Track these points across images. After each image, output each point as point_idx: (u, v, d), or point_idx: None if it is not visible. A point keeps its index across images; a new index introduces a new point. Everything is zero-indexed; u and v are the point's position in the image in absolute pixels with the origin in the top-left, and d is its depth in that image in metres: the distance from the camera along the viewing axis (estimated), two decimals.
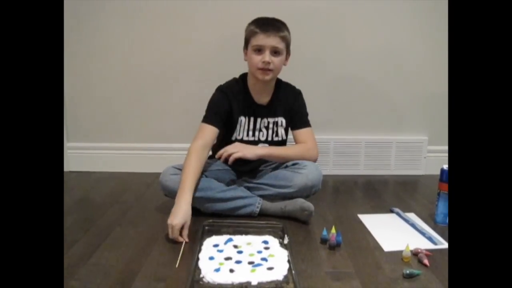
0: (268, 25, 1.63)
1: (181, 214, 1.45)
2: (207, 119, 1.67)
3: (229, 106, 1.71)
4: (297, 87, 1.82)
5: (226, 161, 1.63)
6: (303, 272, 1.27)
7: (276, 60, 1.64)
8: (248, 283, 1.19)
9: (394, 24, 2.13)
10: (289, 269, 1.26)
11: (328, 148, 2.26)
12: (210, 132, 1.65)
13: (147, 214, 1.70)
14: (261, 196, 1.68)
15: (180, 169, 1.63)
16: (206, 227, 1.53)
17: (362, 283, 1.22)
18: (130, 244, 1.43)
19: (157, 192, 1.77)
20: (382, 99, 2.23)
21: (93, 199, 1.86)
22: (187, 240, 1.44)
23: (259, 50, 1.63)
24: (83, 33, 2.10)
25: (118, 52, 2.15)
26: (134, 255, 1.35)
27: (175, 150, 2.18)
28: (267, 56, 1.62)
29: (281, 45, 1.64)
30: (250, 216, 1.66)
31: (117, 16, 2.10)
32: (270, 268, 1.26)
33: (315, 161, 1.72)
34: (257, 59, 1.63)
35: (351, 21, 2.13)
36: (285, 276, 1.22)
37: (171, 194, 1.64)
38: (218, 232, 1.49)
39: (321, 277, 1.25)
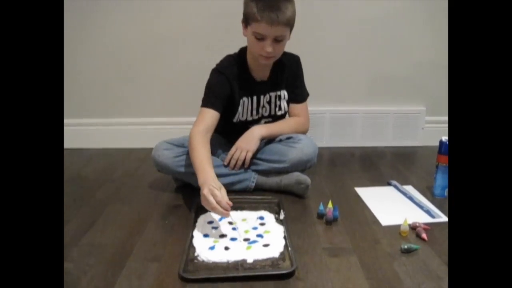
0: (271, 9, 1.42)
1: (214, 181, 1.34)
2: (207, 103, 1.57)
3: (230, 89, 1.61)
4: None
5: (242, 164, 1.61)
6: (299, 248, 1.25)
7: (278, 46, 1.52)
8: (244, 261, 1.17)
9: None
10: (285, 246, 1.24)
11: (324, 119, 2.21)
12: (212, 117, 1.55)
13: (140, 191, 1.67)
14: (255, 171, 1.65)
15: (173, 144, 1.59)
16: (200, 204, 1.50)
17: (359, 258, 1.20)
18: (123, 223, 1.40)
19: (150, 168, 1.73)
20: (379, 69, 2.18)
21: (85, 177, 1.82)
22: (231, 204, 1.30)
23: (261, 38, 1.49)
24: (72, 3, 2.01)
25: (109, 25, 2.07)
26: (127, 234, 1.33)
27: (168, 124, 2.14)
28: (268, 47, 1.48)
29: (285, 32, 1.50)
30: (245, 191, 1.63)
31: None
32: (266, 245, 1.24)
33: (305, 133, 1.71)
34: (258, 46, 1.50)
35: None
36: (281, 253, 1.21)
37: (164, 170, 1.60)
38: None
39: (318, 253, 1.23)
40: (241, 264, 1.16)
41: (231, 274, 1.11)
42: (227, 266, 1.16)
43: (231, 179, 1.60)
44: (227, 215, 1.28)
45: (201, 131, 1.51)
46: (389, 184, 1.73)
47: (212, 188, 1.28)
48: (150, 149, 1.62)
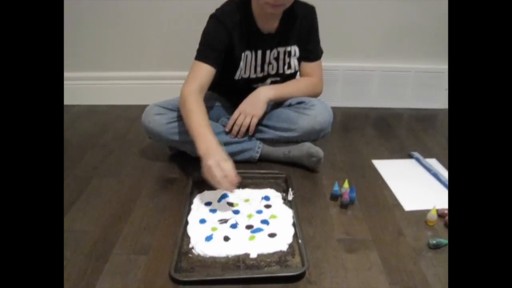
0: None
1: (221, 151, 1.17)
2: (202, 56, 1.34)
3: (229, 39, 1.37)
4: None
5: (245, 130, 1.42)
6: (310, 239, 1.08)
7: None
8: (246, 255, 1.01)
9: None
10: (295, 236, 1.07)
11: (337, 77, 1.99)
12: (206, 73, 1.33)
13: (130, 160, 1.48)
14: (260, 139, 1.46)
15: (167, 108, 1.39)
16: (197, 179, 1.32)
17: (380, 255, 1.03)
18: (108, 202, 1.23)
19: (142, 130, 1.54)
20: (399, 21, 1.92)
21: (69, 142, 1.62)
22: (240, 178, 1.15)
23: None
24: None
25: None
26: (113, 218, 1.16)
27: (164, 79, 1.93)
28: None
29: None
30: (249, 161, 1.44)
31: None
32: (272, 235, 1.07)
33: (318, 96, 1.50)
34: None
35: None
36: (290, 246, 1.04)
37: (155, 138, 1.41)
38: (210, 186, 1.28)
39: (332, 246, 1.06)
40: (243, 259, 1.00)
41: (230, 276, 0.94)
42: (227, 262, 1.00)
43: (233, 148, 1.41)
44: (233, 191, 1.15)
45: (194, 91, 1.30)
46: (410, 156, 1.54)
47: (219, 159, 1.12)
48: (144, 106, 1.42)
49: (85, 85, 1.99)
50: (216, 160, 1.12)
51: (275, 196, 1.25)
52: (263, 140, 1.45)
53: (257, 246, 1.03)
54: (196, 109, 1.26)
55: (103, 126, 1.77)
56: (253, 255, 1.01)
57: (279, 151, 1.44)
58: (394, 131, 1.78)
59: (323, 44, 1.52)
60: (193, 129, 1.23)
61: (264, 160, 1.46)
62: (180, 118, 1.38)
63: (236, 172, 1.14)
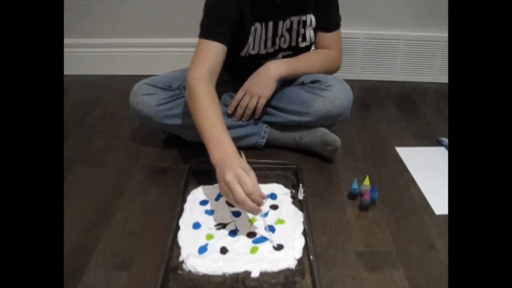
0: None
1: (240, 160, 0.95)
2: (209, 33, 1.12)
3: (239, 10, 1.14)
4: None
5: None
6: (324, 252, 0.91)
7: None
8: (247, 274, 0.84)
9: None
10: (305, 247, 0.90)
11: (356, 46, 1.77)
12: (216, 53, 1.11)
13: (118, 144, 1.31)
14: (267, 122, 1.27)
15: (158, 87, 1.19)
16: (193, 170, 1.15)
17: (407, 275, 0.86)
18: (89, 199, 1.06)
19: None
20: None
21: None
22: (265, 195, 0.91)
23: None
24: None
25: None
26: (92, 219, 0.99)
27: (163, 46, 1.75)
28: None
29: None
30: (254, 148, 1.26)
31: None
32: (278, 247, 0.90)
33: (337, 71, 1.31)
34: None
35: None
36: (299, 262, 0.87)
37: (145, 122, 1.23)
38: (208, 179, 1.10)
39: (349, 262, 0.89)
40: (242, 280, 0.83)
41: None
42: (223, 282, 0.83)
43: (235, 133, 1.22)
44: (258, 213, 0.89)
45: (203, 77, 1.07)
46: (439, 143, 1.34)
47: (239, 173, 0.88)
48: (140, 77, 1.23)
49: (74, 53, 1.79)
50: (236, 175, 0.87)
51: (283, 194, 1.07)
52: (271, 124, 1.27)
53: (259, 261, 0.86)
54: (208, 101, 1.04)
55: (92, 100, 1.59)
56: (255, 274, 0.84)
57: (289, 137, 1.26)
58: (419, 110, 1.58)
59: (343, 9, 1.29)
60: (204, 128, 1.01)
61: (270, 146, 1.28)
62: (173, 98, 1.19)
63: (259, 187, 0.88)
